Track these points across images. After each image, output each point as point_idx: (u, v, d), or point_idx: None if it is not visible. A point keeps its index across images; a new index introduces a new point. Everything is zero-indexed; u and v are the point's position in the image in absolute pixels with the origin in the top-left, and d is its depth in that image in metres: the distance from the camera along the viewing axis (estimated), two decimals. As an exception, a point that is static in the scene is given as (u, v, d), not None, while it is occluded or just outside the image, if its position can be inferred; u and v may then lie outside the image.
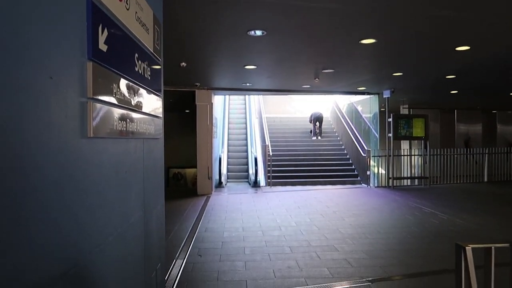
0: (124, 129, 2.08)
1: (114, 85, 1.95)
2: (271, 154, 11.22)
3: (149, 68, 2.63)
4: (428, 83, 9.10)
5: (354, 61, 6.80)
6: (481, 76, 8.12)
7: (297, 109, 17.26)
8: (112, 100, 1.93)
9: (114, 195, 2.04)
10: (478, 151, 11.99)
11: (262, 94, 13.51)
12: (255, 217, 6.91)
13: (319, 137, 14.06)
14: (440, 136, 10.80)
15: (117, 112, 1.99)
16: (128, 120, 2.14)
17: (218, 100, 12.17)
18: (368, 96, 11.55)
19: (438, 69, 7.44)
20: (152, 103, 2.71)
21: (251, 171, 12.57)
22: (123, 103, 2.07)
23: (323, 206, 7.95)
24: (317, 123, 14.12)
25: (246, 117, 15.74)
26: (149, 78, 2.62)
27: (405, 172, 11.63)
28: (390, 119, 10.62)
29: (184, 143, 17.27)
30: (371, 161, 11.07)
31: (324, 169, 12.16)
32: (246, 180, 12.84)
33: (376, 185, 10.97)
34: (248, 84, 9.18)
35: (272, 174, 11.17)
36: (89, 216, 1.77)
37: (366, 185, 11.15)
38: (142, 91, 2.45)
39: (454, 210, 7.42)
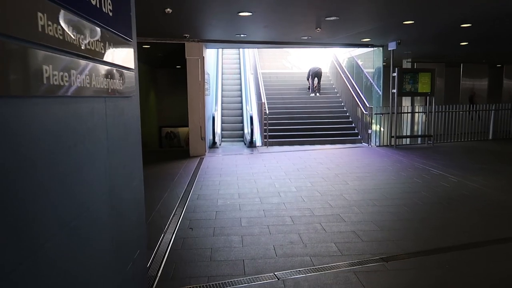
0: (67, 83, 1.44)
1: (42, 16, 1.28)
2: (267, 112, 10.57)
3: (110, 1, 1.93)
4: (440, 33, 8.33)
5: (362, 6, 6.00)
6: (499, 24, 7.37)
7: (294, 64, 16.39)
8: (39, 39, 1.27)
9: (58, 179, 1.43)
10: (484, 107, 11.41)
11: (258, 47, 12.63)
12: (252, 181, 6.39)
13: (317, 94, 13.36)
14: (444, 92, 10.19)
15: (50, 57, 1.33)
16: (73, 70, 1.49)
17: (210, 55, 11.32)
18: (371, 49, 10.75)
19: (453, 15, 6.67)
20: (116, 50, 2.04)
21: (247, 130, 11.97)
22: (61, 45, 1.41)
23: (324, 168, 7.45)
24: (316, 79, 13.36)
25: (241, 73, 14.89)
26: (110, 14, 1.93)
27: (408, 131, 11.09)
28: (395, 74, 9.91)
29: (177, 101, 16.52)
30: (372, 119, 10.48)
31: (323, 127, 11.58)
32: (242, 140, 12.28)
33: (377, 144, 10.46)
34: (242, 36, 8.36)
35: (269, 134, 10.60)
36: (23, 213, 1.19)
37: (367, 145, 10.64)
38: (98, 31, 1.77)
39: (464, 171, 6.95)
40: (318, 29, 7.54)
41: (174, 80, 16.39)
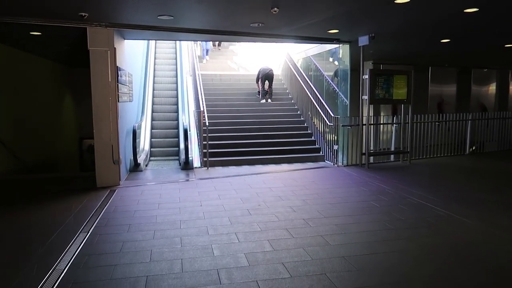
0: None
1: None
2: (207, 123, 8.18)
3: None
4: (434, 22, 6.46)
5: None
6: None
7: (241, 65, 14.15)
8: None
9: None
10: (459, 117, 9.87)
11: (194, 39, 10.14)
12: (177, 242, 3.97)
13: (269, 100, 11.18)
14: (413, 99, 8.59)
15: None
16: None
17: (133, 48, 8.72)
18: (335, 46, 8.78)
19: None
20: None
21: (182, 145, 9.47)
22: None
23: (285, 207, 5.20)
24: (267, 82, 11.19)
25: (177, 74, 12.36)
26: None
27: (378, 146, 9.23)
28: (366, 76, 7.98)
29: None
30: (338, 132, 8.47)
31: (278, 142, 9.41)
32: (177, 158, 9.76)
33: (345, 163, 8.45)
34: (168, 18, 5.93)
35: (210, 151, 8.21)
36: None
37: (332, 163, 8.60)
38: None
39: (475, 207, 5.04)
40: (275, 9, 5.32)
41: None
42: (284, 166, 8.38)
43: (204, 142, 8.25)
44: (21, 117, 8.86)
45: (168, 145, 10.02)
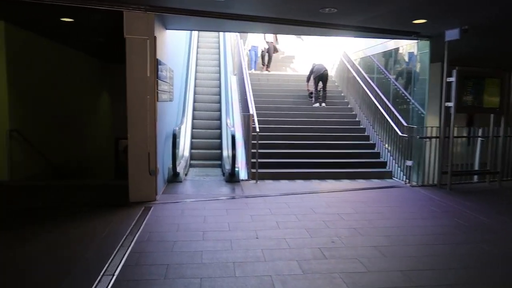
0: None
1: None
2: (258, 129, 7.01)
3: None
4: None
5: None
6: None
7: (288, 65, 12.93)
8: None
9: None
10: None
11: (244, 30, 8.88)
12: (233, 302, 2.80)
13: (323, 104, 9.89)
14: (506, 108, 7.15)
15: None
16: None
17: (174, 40, 7.71)
18: (412, 41, 7.40)
19: None
20: None
21: (226, 153, 8.37)
22: None
23: (369, 248, 3.91)
24: (320, 83, 9.89)
25: (220, 71, 11.32)
26: None
27: (459, 161, 7.71)
28: (452, 78, 6.55)
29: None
30: (411, 145, 7.07)
31: (335, 153, 8.10)
32: (219, 164, 8.67)
33: (419, 182, 7.02)
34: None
35: (260, 161, 7.03)
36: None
37: (402, 182, 7.21)
38: None
39: None
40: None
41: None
42: (346, 183, 7.07)
43: (253, 150, 7.08)
44: (52, 115, 8.05)
45: (210, 152, 8.95)
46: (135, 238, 4.01)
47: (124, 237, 4.04)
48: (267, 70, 11.93)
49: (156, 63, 5.41)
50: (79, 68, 9.74)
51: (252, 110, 7.36)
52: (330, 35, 8.08)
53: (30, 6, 5.13)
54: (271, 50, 11.98)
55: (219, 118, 9.72)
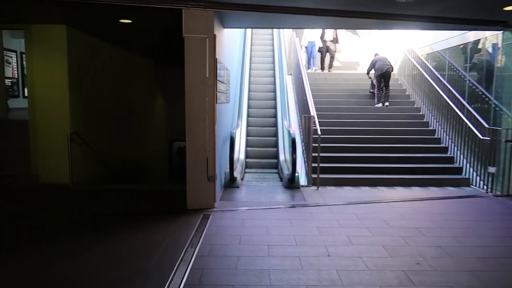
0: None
1: None
2: (319, 132, 6.54)
3: None
4: None
5: None
6: None
7: (345, 62, 12.26)
8: None
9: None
10: None
11: (307, 26, 8.29)
12: None
13: (386, 104, 9.18)
14: None
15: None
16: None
17: (231, 39, 7.44)
18: (489, 34, 6.57)
19: None
20: None
21: (283, 157, 7.99)
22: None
23: (463, 273, 3.33)
24: (382, 81, 9.17)
25: (275, 70, 10.96)
26: None
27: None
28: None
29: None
30: (495, 149, 6.25)
31: (402, 157, 7.41)
32: (274, 169, 8.30)
33: (504, 191, 6.19)
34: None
35: (322, 165, 6.55)
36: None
37: (481, 190, 6.41)
38: None
39: None
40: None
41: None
42: (418, 191, 6.40)
43: (314, 154, 6.62)
44: (109, 117, 8.08)
45: (266, 155, 8.61)
46: (196, 251, 3.71)
47: (185, 249, 3.75)
48: (330, 70, 11.08)
49: (215, 62, 5.12)
50: (135, 71, 9.79)
51: (313, 111, 6.89)
52: (400, 28, 7.43)
53: (90, 7, 5.05)
54: (332, 50, 10.96)
55: (275, 124, 9.33)
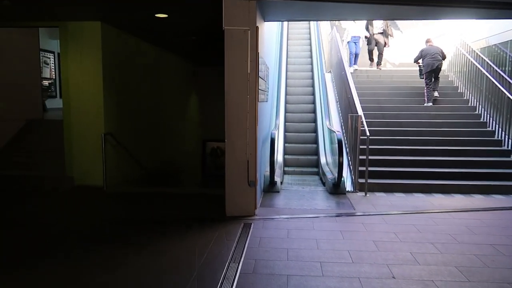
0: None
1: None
2: (368, 133, 5.98)
3: None
4: None
5: None
6: None
7: (387, 59, 11.53)
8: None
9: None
10: None
11: (355, 17, 7.58)
12: None
13: (435, 94, 8.46)
14: None
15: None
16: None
17: (268, 32, 7.00)
18: None
19: None
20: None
21: (324, 159, 7.49)
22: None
23: None
24: (433, 75, 8.42)
25: (313, 67, 10.45)
26: None
27: None
28: None
29: (224, 106, 12.49)
30: None
31: (458, 160, 6.73)
32: (315, 171, 7.81)
33: None
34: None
35: (369, 169, 6.00)
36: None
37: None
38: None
39: None
40: None
41: (220, 80, 12.33)
42: (480, 199, 5.72)
43: (361, 157, 6.08)
44: (142, 117, 7.85)
45: (305, 157, 8.12)
46: (239, 267, 3.29)
47: (227, 264, 3.34)
48: (378, 67, 10.17)
49: (257, 57, 4.70)
50: (169, 69, 9.55)
51: (360, 110, 6.34)
52: (452, 17, 6.72)
53: (125, 1, 4.76)
54: (381, 44, 10.01)
55: (314, 120, 8.84)
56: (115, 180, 6.51)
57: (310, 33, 11.94)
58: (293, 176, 7.65)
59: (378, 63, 10.15)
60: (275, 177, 6.00)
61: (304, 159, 8.07)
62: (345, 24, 10.94)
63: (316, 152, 8.08)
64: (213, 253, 3.60)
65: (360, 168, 6.07)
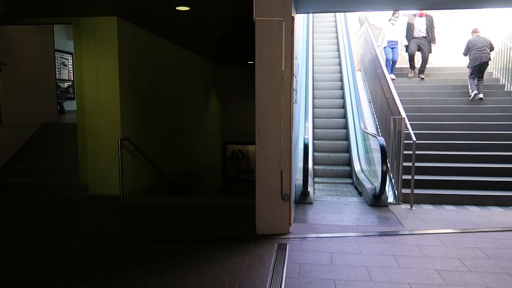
0: None
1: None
2: (415, 138, 5.29)
3: None
4: None
5: None
6: None
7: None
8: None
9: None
10: None
11: (395, 6, 6.86)
12: None
13: (480, 96, 7.70)
14: None
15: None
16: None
17: (298, 26, 6.39)
18: None
19: None
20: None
21: (359, 166, 6.82)
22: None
23: None
24: (478, 70, 7.65)
25: (341, 62, 9.78)
26: None
27: None
28: None
29: (246, 107, 11.94)
30: None
31: (508, 168, 5.96)
32: (348, 180, 7.14)
33: None
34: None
35: (416, 178, 5.31)
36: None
37: None
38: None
39: None
40: None
41: (242, 80, 11.82)
42: (547, 215, 4.95)
43: (405, 164, 5.39)
44: (161, 120, 7.34)
45: (336, 162, 7.47)
46: (280, 307, 2.68)
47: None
48: (419, 77, 8.75)
49: (293, 52, 4.08)
50: (190, 69, 9.04)
51: (403, 112, 5.64)
52: (498, 5, 5.93)
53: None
54: (425, 51, 8.57)
55: (345, 126, 8.15)
56: (133, 189, 6.00)
57: (336, 27, 11.26)
58: (325, 184, 7.00)
59: (421, 71, 8.80)
60: (307, 187, 5.36)
61: (336, 168, 7.40)
62: (380, 23, 10.18)
63: (349, 160, 7.41)
64: (245, 285, 3.01)
65: (404, 177, 5.39)
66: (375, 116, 7.58)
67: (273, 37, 3.98)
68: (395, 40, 8.87)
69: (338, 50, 10.35)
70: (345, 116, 8.37)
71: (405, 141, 5.40)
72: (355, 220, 4.73)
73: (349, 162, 7.40)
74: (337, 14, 11.45)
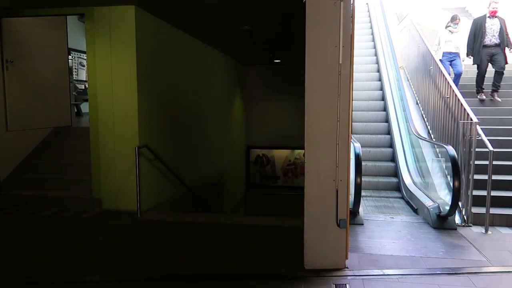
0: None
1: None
2: (491, 147, 4.34)
3: None
4: None
5: None
6: None
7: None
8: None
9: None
10: None
11: None
12: None
13: (496, 97, 6.64)
14: None
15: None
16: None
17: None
18: None
19: None
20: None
21: (409, 179, 5.94)
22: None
23: None
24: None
25: (378, 60, 8.87)
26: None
27: None
28: None
29: (272, 110, 11.12)
30: None
31: None
32: (395, 193, 6.22)
33: None
34: None
35: (478, 194, 4.39)
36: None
37: None
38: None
39: None
40: None
41: (267, 80, 11.01)
42: None
43: (477, 177, 4.46)
44: (182, 124, 6.59)
45: (382, 173, 6.56)
46: None
47: None
48: (492, 96, 6.75)
49: (353, 41, 3.23)
50: (213, 68, 8.28)
51: (473, 116, 4.70)
52: None
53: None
54: (501, 57, 6.55)
55: (388, 132, 7.22)
56: (151, 202, 5.24)
57: (370, 16, 10.32)
58: (369, 198, 6.10)
59: (494, 89, 6.75)
60: (358, 206, 4.48)
61: (382, 179, 6.48)
62: (434, 24, 9.08)
63: (396, 172, 6.48)
64: None
65: (479, 193, 4.46)
66: (425, 119, 6.64)
67: (327, 21, 3.15)
68: (454, 52, 7.10)
69: (375, 47, 9.42)
70: (387, 120, 7.45)
71: (477, 149, 4.47)
72: (423, 249, 3.83)
73: (396, 173, 6.49)
74: (371, 6, 10.54)
